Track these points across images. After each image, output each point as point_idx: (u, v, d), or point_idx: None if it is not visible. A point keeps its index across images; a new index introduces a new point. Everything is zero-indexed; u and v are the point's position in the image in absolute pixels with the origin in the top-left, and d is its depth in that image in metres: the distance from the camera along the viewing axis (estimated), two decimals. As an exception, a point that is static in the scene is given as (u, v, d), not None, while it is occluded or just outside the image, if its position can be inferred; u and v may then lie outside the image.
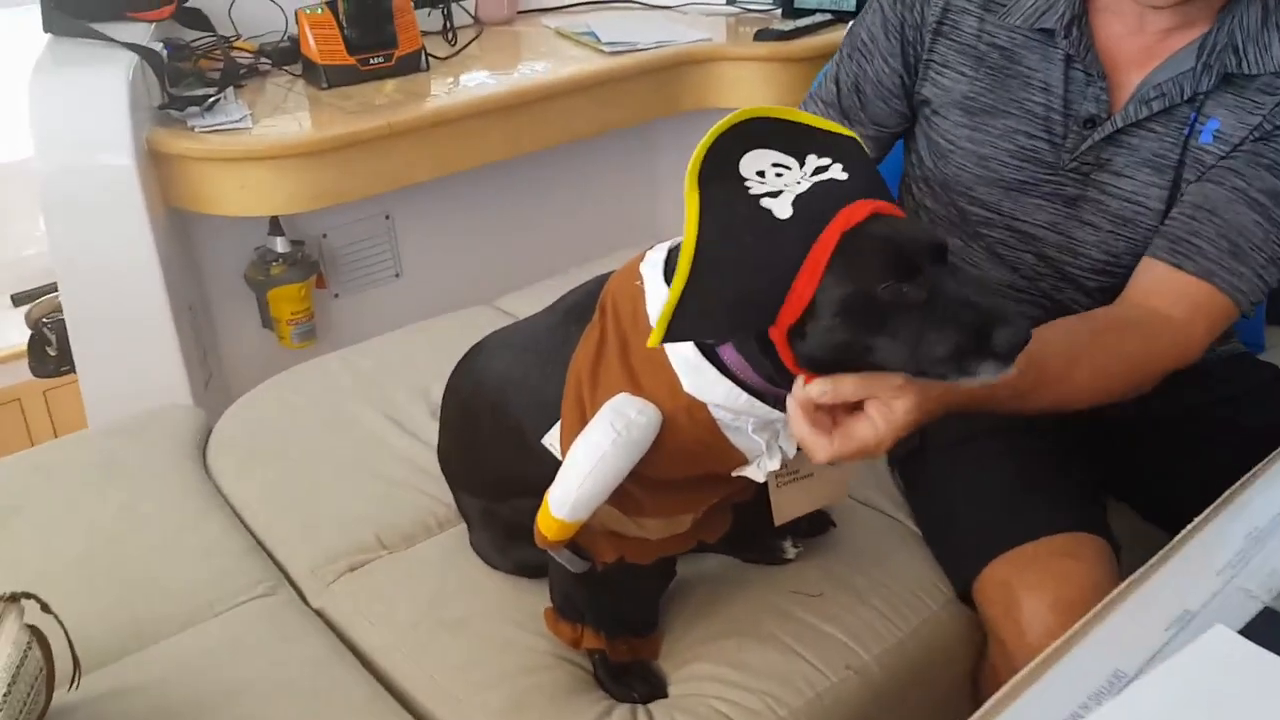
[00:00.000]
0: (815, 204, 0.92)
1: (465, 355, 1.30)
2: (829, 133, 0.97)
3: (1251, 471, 0.98)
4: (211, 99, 1.94)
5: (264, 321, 2.18)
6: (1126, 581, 0.84)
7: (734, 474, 1.08)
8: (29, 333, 2.06)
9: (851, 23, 1.46)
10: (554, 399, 1.11)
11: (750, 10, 2.53)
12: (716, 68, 2.31)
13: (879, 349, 0.91)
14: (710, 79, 2.31)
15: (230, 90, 2.02)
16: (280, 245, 2.10)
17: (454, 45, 2.34)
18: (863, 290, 0.89)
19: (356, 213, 2.24)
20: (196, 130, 1.87)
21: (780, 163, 0.96)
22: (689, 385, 1.01)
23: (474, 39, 2.38)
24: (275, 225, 2.10)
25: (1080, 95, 1.25)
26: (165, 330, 1.87)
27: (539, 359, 1.18)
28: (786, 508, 1.22)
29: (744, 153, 0.96)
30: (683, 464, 1.08)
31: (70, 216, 1.78)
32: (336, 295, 2.30)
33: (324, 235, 2.23)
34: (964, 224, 1.36)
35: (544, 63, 2.29)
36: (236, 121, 1.90)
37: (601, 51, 2.28)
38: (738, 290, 0.93)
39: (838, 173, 0.94)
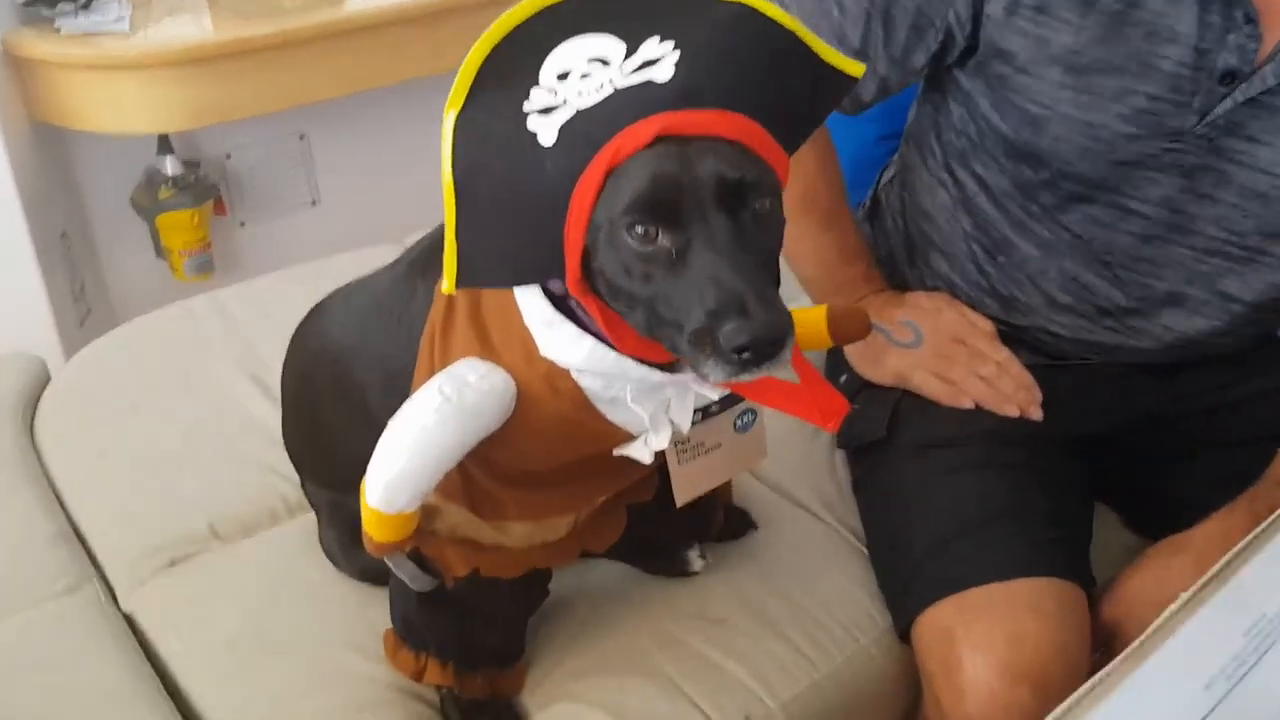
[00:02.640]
0: (592, 125, 0.72)
1: (305, 318, 1.07)
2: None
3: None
4: (84, -5, 1.69)
5: (158, 252, 1.95)
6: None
7: (616, 452, 0.87)
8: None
9: None
10: (401, 368, 0.90)
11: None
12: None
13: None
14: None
15: (113, -14, 1.76)
16: (170, 166, 1.85)
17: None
18: (617, 234, 0.72)
19: (266, 132, 1.98)
20: (63, 32, 1.62)
21: (601, 55, 0.75)
22: (545, 347, 0.81)
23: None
24: (164, 143, 1.85)
25: (1218, 43, 0.96)
26: (25, 260, 1.63)
27: (383, 321, 0.96)
28: (690, 486, 1.00)
29: (563, 39, 0.75)
30: (550, 449, 0.88)
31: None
32: (243, 224, 2.05)
33: (227, 156, 1.98)
34: (1054, 204, 1.08)
35: None
36: (112, 23, 1.65)
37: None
38: (507, 233, 0.75)
39: (664, 69, 0.73)
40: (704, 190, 0.71)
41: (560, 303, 0.81)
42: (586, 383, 0.83)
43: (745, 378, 0.74)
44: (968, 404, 1.12)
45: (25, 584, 1.10)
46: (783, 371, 0.86)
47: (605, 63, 0.75)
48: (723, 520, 1.15)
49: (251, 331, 1.43)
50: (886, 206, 1.29)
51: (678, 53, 0.74)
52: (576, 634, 1.05)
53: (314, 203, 2.12)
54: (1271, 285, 1.06)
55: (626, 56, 0.75)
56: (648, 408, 0.85)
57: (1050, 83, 1.01)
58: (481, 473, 0.90)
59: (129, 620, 1.10)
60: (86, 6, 1.68)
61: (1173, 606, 0.65)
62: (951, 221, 1.16)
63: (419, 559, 0.93)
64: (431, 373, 0.85)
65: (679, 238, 0.72)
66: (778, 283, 0.78)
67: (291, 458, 1.13)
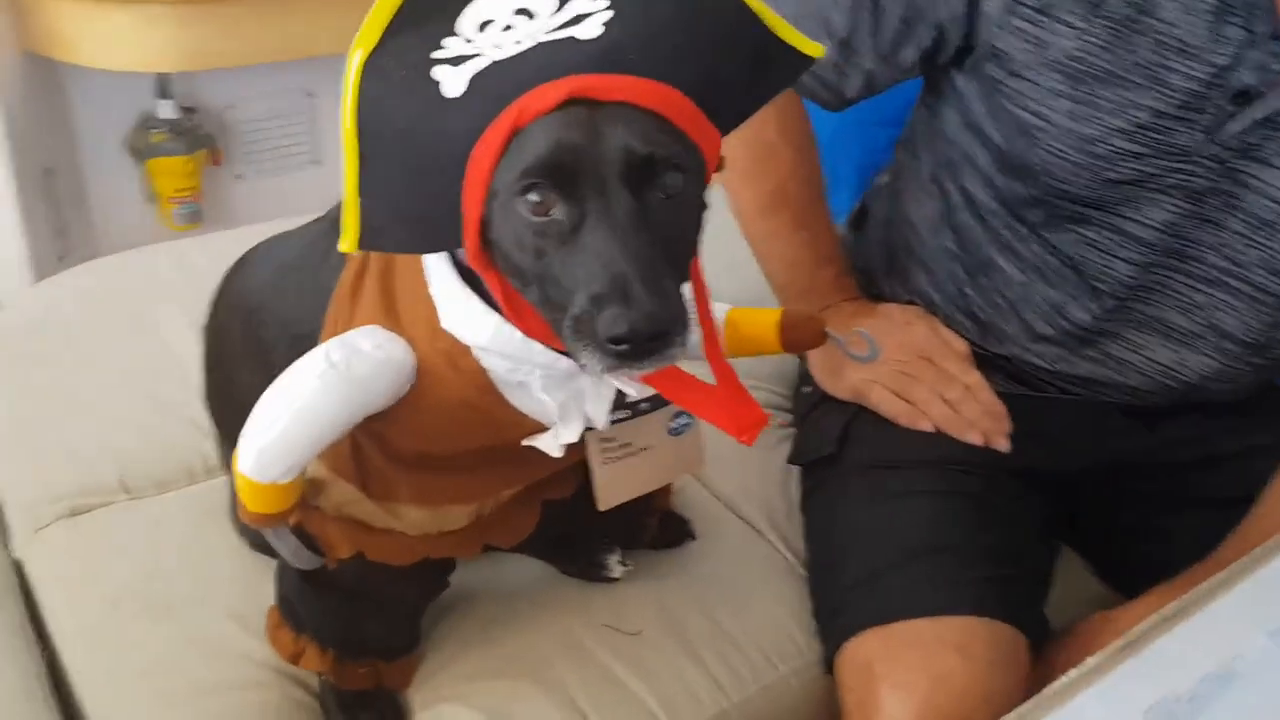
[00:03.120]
0: (503, 81, 0.65)
1: (230, 269, 1.01)
2: None
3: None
4: (92, -74, 1.64)
5: (148, 197, 1.90)
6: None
7: (524, 443, 0.80)
8: None
9: None
10: (309, 331, 0.84)
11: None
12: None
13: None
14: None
15: (123, -81, 1.72)
16: (165, 110, 1.81)
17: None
18: (511, 202, 0.65)
19: (272, 85, 1.93)
20: (62, -41, 1.58)
21: (527, 7, 0.69)
22: (447, 320, 0.75)
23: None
24: (162, 86, 1.80)
25: (1236, 59, 0.88)
26: (5, 195, 1.59)
27: (297, 279, 0.90)
28: (615, 489, 0.93)
29: None
30: (449, 432, 0.81)
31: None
32: (239, 176, 2.00)
33: (229, 106, 1.93)
34: (1043, 222, 1.00)
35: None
36: (114, -46, 1.60)
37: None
38: (408, 193, 0.68)
39: (590, 27, 0.66)
40: (608, 162, 0.64)
41: (472, 275, 0.74)
42: (490, 364, 0.76)
43: (626, 374, 0.68)
44: (926, 427, 1.04)
45: (-87, 519, 1.05)
46: (692, 369, 0.79)
47: (531, 15, 0.69)
48: (656, 526, 1.08)
49: (208, 285, 1.37)
50: (873, 214, 1.21)
51: (610, 11, 0.67)
52: (477, 632, 0.98)
53: (316, 162, 2.07)
54: (1270, 327, 0.97)
55: (556, 10, 0.69)
56: (557, 397, 0.78)
57: (1046, 90, 0.93)
58: (374, 450, 0.83)
59: (17, 567, 1.05)
60: (89, -64, 1.63)
61: (1072, 672, 0.57)
62: (935, 235, 1.08)
63: (303, 535, 0.87)
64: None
65: (574, 211, 0.65)
66: (683, 276, 0.71)
67: (210, 416, 1.07)
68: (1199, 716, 0.52)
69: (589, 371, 0.66)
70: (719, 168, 0.75)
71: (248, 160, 2.00)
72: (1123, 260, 0.98)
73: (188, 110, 1.84)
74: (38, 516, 1.07)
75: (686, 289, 0.76)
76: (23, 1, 1.56)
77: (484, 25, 0.69)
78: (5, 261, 1.63)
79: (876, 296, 1.15)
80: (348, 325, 0.80)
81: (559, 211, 0.65)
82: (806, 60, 0.74)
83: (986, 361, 1.07)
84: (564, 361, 0.75)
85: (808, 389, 1.17)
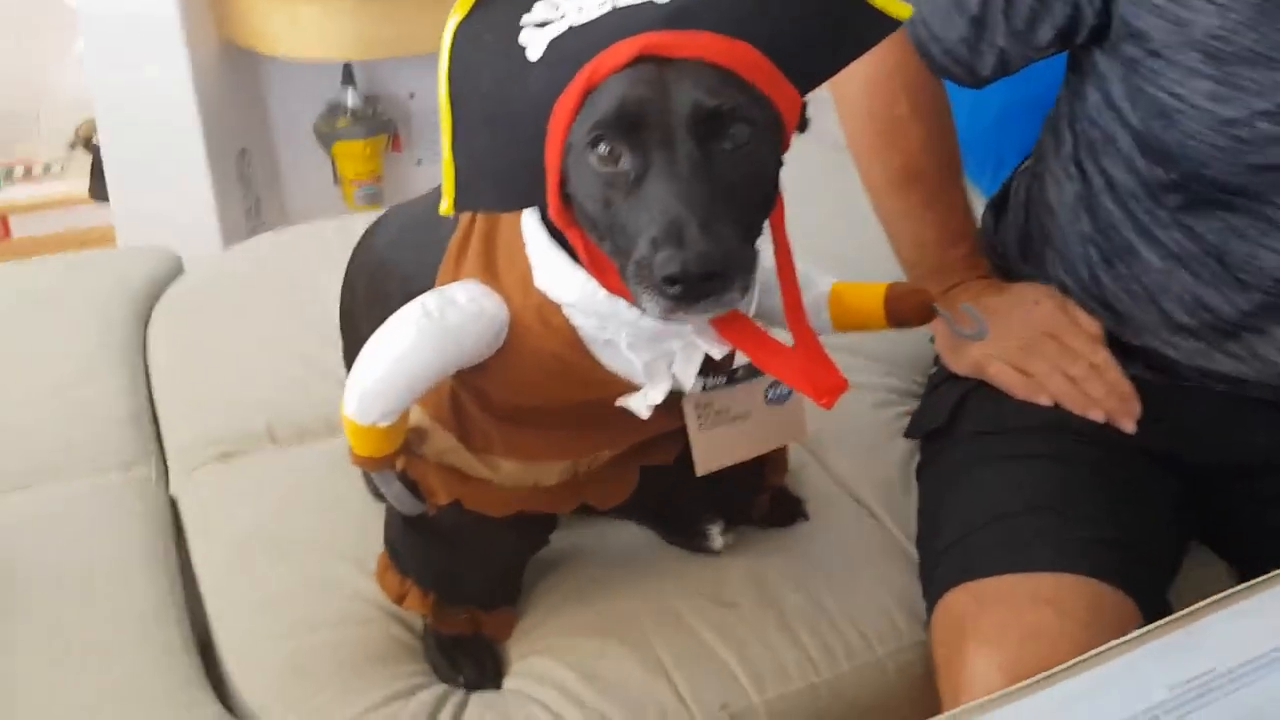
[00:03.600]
0: (580, 43, 0.68)
1: (368, 228, 1.07)
2: None
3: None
4: (287, -77, 1.76)
5: (335, 179, 2.02)
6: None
7: (617, 403, 0.82)
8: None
9: None
10: (423, 288, 0.88)
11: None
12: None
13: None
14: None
15: (319, -81, 1.83)
16: (350, 98, 1.92)
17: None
18: (583, 155, 0.68)
19: (453, 76, 2.02)
20: (260, -44, 1.71)
21: None
22: (540, 278, 0.77)
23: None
24: (348, 74, 1.92)
25: None
26: (199, 172, 1.73)
27: (418, 237, 0.95)
28: (713, 455, 0.93)
29: None
30: (541, 387, 0.84)
31: (106, 38, 1.65)
32: (420, 162, 2.10)
33: (410, 95, 2.03)
34: (1184, 208, 0.95)
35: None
36: (305, -50, 1.72)
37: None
38: (497, 152, 0.72)
39: None
40: (674, 115, 0.66)
41: (562, 236, 0.77)
42: (579, 321, 0.79)
43: (683, 316, 0.69)
44: (1044, 400, 0.99)
45: (87, 455, 1.15)
46: (779, 332, 0.79)
47: None
48: (768, 504, 1.07)
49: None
50: (1013, 197, 1.17)
51: None
52: (578, 591, 1.00)
53: (493, 151, 2.14)
54: None
55: None
56: (644, 356, 0.80)
57: (1186, 70, 0.88)
58: (472, 402, 0.87)
59: (173, 504, 1.14)
60: (287, -66, 1.76)
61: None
62: (1073, 220, 1.04)
63: (407, 481, 0.91)
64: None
65: (640, 161, 0.67)
66: (754, 232, 0.71)
67: (345, 366, 1.13)
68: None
69: (649, 315, 0.68)
70: (802, 127, 0.76)
71: (427, 146, 2.10)
72: (1269, 250, 0.92)
73: (371, 99, 1.95)
74: (191, 458, 1.16)
75: (767, 250, 0.77)
76: (222, -6, 1.70)
77: None
78: (199, 236, 1.76)
79: (1012, 280, 1.12)
80: (453, 280, 0.84)
81: (626, 162, 0.67)
82: (893, 22, 0.73)
83: (1122, 350, 1.02)
84: (648, 320, 0.76)
85: (934, 369, 1.15)
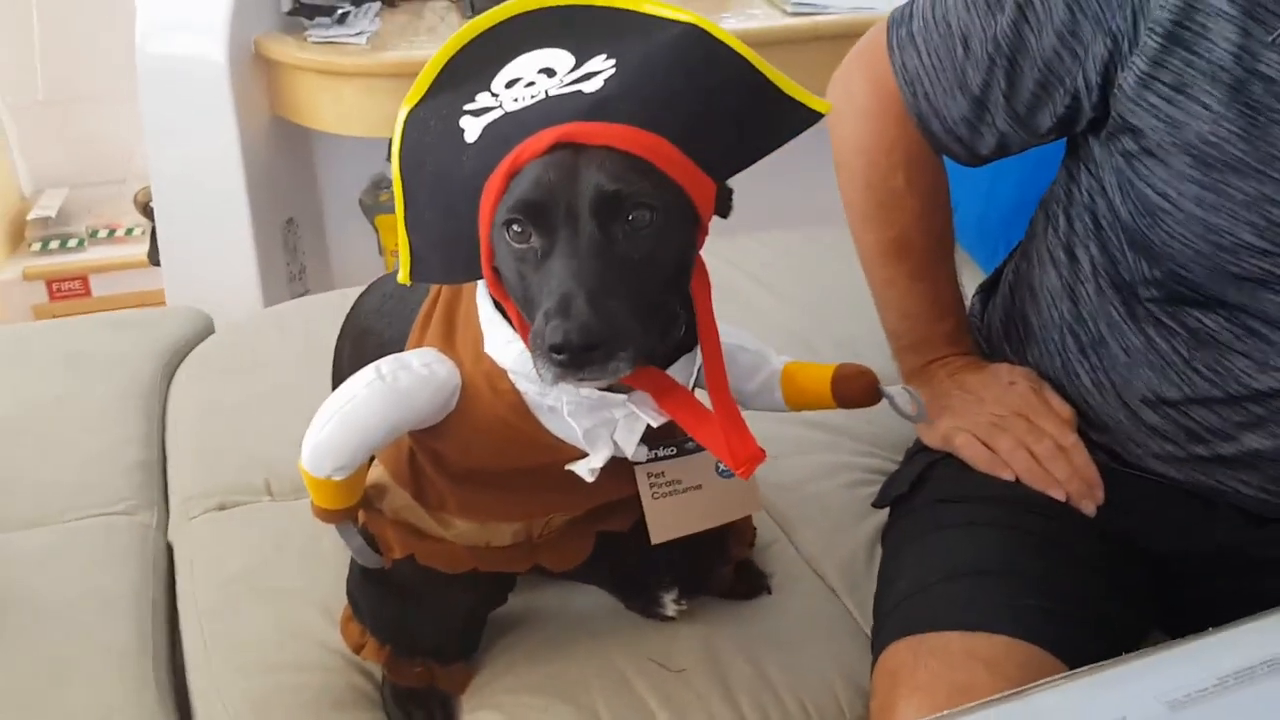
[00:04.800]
0: (511, 128, 0.74)
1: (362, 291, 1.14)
2: (658, 19, 0.78)
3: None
4: (342, 11, 1.88)
5: (379, 249, 2.11)
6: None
7: (565, 468, 0.86)
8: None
9: None
10: (398, 353, 0.93)
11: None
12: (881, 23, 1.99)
13: None
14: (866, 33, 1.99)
15: (370, 6, 1.95)
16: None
17: (639, -9, 2.15)
18: (502, 233, 0.74)
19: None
20: (310, 40, 1.81)
21: (550, 66, 0.77)
22: (488, 345, 0.83)
23: (660, -14, 2.18)
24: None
25: None
26: (244, 240, 1.83)
27: (396, 305, 1.02)
28: (666, 524, 0.97)
29: (522, 51, 0.79)
30: (491, 451, 0.89)
31: (163, 107, 1.78)
32: (459, 235, 2.18)
33: (454, 171, 2.12)
34: (1162, 306, 0.96)
35: (732, 16, 2.06)
36: (352, 36, 1.83)
37: (784, 11, 2.02)
38: (441, 228, 0.78)
39: (595, 83, 0.74)
40: (580, 197, 0.72)
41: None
42: (524, 386, 0.83)
43: (570, 382, 0.73)
44: (1007, 475, 1.01)
45: (95, 499, 1.23)
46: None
47: (551, 73, 0.78)
48: (732, 575, 1.10)
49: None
50: (1003, 279, 1.19)
51: (614, 69, 0.75)
52: (532, 651, 1.03)
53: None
54: None
55: (571, 69, 0.77)
56: (584, 423, 0.84)
57: (1175, 172, 0.88)
58: (427, 461, 0.92)
59: (170, 549, 1.20)
60: (341, 21, 1.87)
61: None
62: (1053, 305, 1.05)
63: (367, 536, 0.96)
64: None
65: (547, 240, 0.73)
66: (655, 308, 0.76)
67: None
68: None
69: (544, 381, 0.73)
70: (722, 213, 0.80)
71: (468, 221, 2.17)
72: (1239, 355, 0.92)
73: (414, 173, 2.04)
74: (192, 507, 1.23)
75: (729, 329, 0.82)
76: (273, 72, 1.81)
77: (511, 83, 0.78)
78: (242, 300, 1.86)
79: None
80: (417, 346, 0.90)
81: (535, 240, 0.73)
82: (814, 115, 0.78)
83: (1092, 442, 1.03)
84: (596, 394, 0.81)
85: (911, 445, 1.17)
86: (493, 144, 0.75)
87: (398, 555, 0.94)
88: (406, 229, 0.80)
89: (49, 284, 2.67)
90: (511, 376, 0.83)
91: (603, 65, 0.76)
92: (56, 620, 1.06)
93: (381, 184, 2.03)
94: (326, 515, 0.92)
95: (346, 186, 2.08)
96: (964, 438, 1.05)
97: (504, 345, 0.82)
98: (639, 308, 0.72)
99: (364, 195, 2.07)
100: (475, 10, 1.94)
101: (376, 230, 2.06)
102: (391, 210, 2.01)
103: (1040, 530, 0.97)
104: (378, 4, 1.97)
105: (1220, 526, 1.00)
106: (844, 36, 1.96)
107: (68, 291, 2.68)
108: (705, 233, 0.78)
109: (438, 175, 0.78)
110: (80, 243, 2.71)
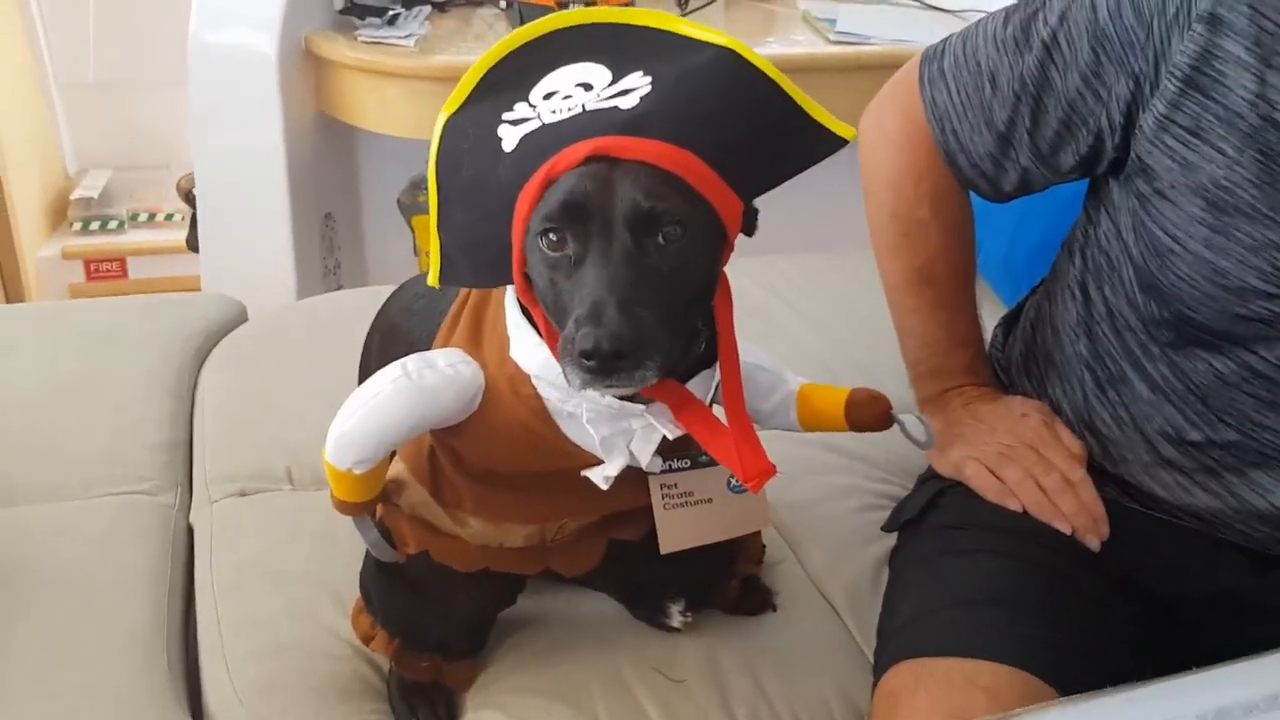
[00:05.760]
0: (547, 139, 0.76)
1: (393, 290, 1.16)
2: (694, 41, 0.80)
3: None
4: (393, 13, 1.91)
5: (414, 249, 2.14)
6: None
7: (582, 473, 0.88)
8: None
9: None
10: (427, 350, 0.96)
11: (1041, 28, 2.16)
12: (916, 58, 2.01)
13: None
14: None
15: (421, 10, 1.98)
16: (433, 174, 2.04)
17: (684, 8, 2.18)
18: (536, 240, 0.76)
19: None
20: (360, 39, 1.84)
21: (587, 80, 0.79)
22: (514, 349, 0.85)
23: (706, 4, 2.20)
24: (432, 152, 2.04)
25: None
26: (282, 232, 1.86)
27: (425, 305, 1.04)
28: (676, 535, 0.99)
29: (560, 65, 0.81)
30: (510, 453, 0.90)
31: (211, 97, 1.81)
32: (493, 239, 2.20)
33: (492, 176, 2.15)
34: (1173, 344, 0.97)
35: (776, 41, 2.08)
36: (401, 38, 1.85)
37: (827, 39, 2.04)
38: (473, 233, 0.80)
39: (631, 99, 0.76)
40: (614, 209, 0.74)
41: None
42: (546, 392, 0.85)
43: (598, 389, 0.75)
44: (1014, 506, 1.02)
45: (121, 475, 1.25)
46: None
47: (589, 88, 0.79)
48: (738, 591, 1.11)
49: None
50: (1024, 314, 1.20)
51: (650, 86, 0.77)
52: (539, 651, 1.05)
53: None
54: None
55: (609, 85, 0.79)
56: (602, 431, 0.86)
57: (1187, 215, 0.90)
58: (447, 460, 0.94)
59: (190, 531, 1.23)
60: (391, 22, 1.90)
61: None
62: (1073, 341, 1.07)
63: (383, 530, 0.98)
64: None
65: (580, 248, 0.74)
66: (682, 320, 0.78)
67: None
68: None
69: (571, 386, 0.74)
70: (747, 231, 0.82)
71: (503, 226, 2.20)
72: (1248, 395, 0.93)
73: (452, 175, 2.06)
74: (214, 491, 1.25)
75: (750, 347, 0.83)
76: (321, 69, 1.84)
77: (549, 95, 0.80)
78: (276, 291, 1.88)
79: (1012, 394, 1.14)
80: (444, 346, 0.92)
81: (569, 248, 0.74)
82: (839, 141, 0.80)
83: (1104, 477, 1.04)
84: (606, 398, 0.82)
85: (924, 470, 1.18)
86: (529, 154, 0.76)
87: (412, 550, 0.96)
88: (439, 232, 0.82)
89: (87, 264, 2.71)
90: (534, 381, 0.85)
91: (639, 82, 0.78)
92: (73, 595, 1.08)
93: (420, 185, 2.06)
94: (345, 507, 0.94)
95: (385, 185, 2.11)
96: (974, 467, 1.06)
97: (529, 350, 0.84)
98: (667, 319, 0.74)
99: (402, 195, 2.09)
100: (524, 19, 1.97)
101: (412, 230, 2.09)
102: (426, 211, 2.04)
103: (1047, 562, 0.98)
104: (428, 8, 2.00)
105: (1223, 570, 1.00)
106: (885, 67, 1.97)
107: (105, 273, 2.72)
108: (731, 249, 0.80)
109: (473, 181, 0.80)
110: (120, 225, 2.76)
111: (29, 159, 2.59)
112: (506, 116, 0.80)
